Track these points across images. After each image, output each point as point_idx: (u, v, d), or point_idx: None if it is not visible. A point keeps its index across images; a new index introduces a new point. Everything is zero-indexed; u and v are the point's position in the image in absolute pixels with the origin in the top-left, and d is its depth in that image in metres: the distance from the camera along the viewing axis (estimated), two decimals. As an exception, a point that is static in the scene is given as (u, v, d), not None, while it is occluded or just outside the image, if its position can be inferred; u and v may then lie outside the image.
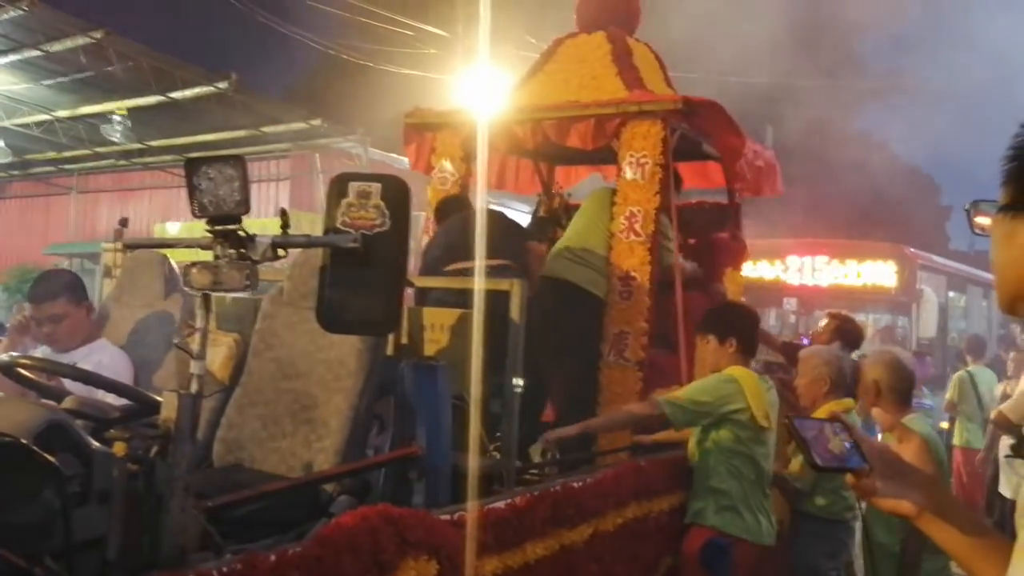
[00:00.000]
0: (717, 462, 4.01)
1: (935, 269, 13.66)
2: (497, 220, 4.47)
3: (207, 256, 1.93)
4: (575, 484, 3.29)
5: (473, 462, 3.15)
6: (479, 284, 3.46)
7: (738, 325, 4.30)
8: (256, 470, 3.01)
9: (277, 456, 3.02)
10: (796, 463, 4.50)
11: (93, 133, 15.58)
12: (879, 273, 12.27)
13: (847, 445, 1.39)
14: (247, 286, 1.86)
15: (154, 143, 16.36)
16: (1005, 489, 7.02)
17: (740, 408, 3.98)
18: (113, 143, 15.39)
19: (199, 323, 1.95)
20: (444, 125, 5.46)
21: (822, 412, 4.38)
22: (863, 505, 1.46)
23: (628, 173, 4.72)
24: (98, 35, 12.16)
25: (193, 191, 1.90)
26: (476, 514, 2.64)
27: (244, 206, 1.89)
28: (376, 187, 1.94)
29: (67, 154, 18.22)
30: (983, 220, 1.40)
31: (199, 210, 1.91)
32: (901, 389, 4.15)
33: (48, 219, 22.27)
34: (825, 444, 1.38)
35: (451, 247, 4.47)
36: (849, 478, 1.37)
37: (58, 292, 3.59)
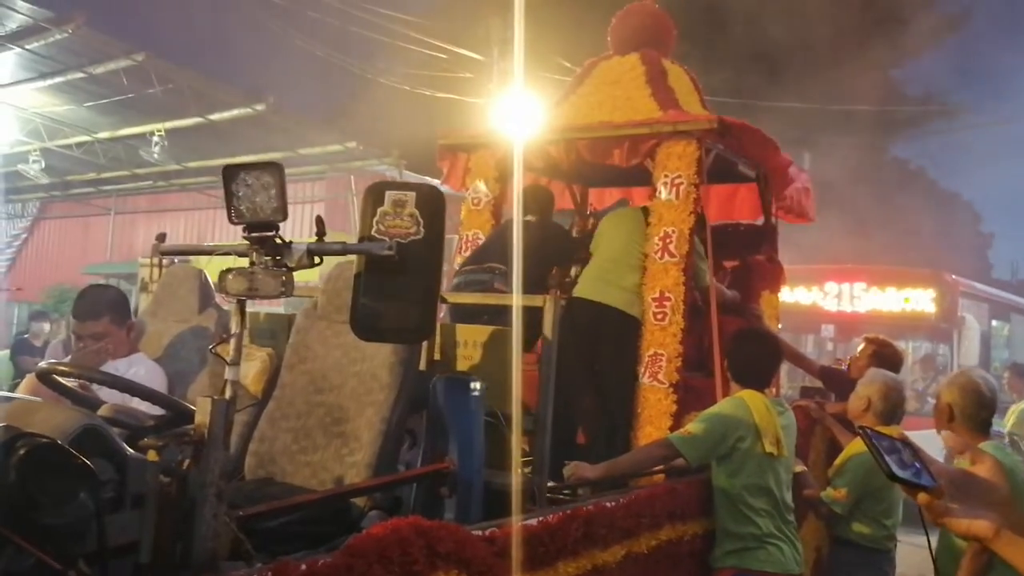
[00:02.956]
0: (729, 504, 3.92)
1: (977, 296, 13.42)
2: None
3: (243, 263, 1.94)
4: (608, 503, 3.25)
5: (506, 478, 3.14)
6: (517, 300, 3.45)
7: (734, 355, 4.25)
8: (287, 484, 3.01)
9: (308, 470, 3.03)
10: (831, 490, 4.42)
11: (132, 154, 15.83)
12: (919, 300, 12.05)
13: (917, 465, 1.36)
14: (283, 292, 1.87)
15: (191, 164, 16.59)
16: None
17: (747, 435, 3.90)
18: (152, 164, 15.62)
19: (234, 329, 1.95)
20: (478, 146, 5.48)
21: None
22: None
23: (663, 193, 4.69)
24: (140, 57, 12.41)
25: (231, 198, 1.91)
26: (509, 530, 2.61)
27: (281, 213, 1.89)
28: (411, 196, 1.95)
29: (106, 175, 18.52)
30: None
31: (236, 216, 1.92)
32: (975, 415, 3.91)
33: (87, 239, 22.60)
34: (898, 457, 1.36)
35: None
36: (922, 497, 1.34)
37: (102, 311, 3.60)
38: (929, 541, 3.60)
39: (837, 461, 4.64)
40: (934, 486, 1.34)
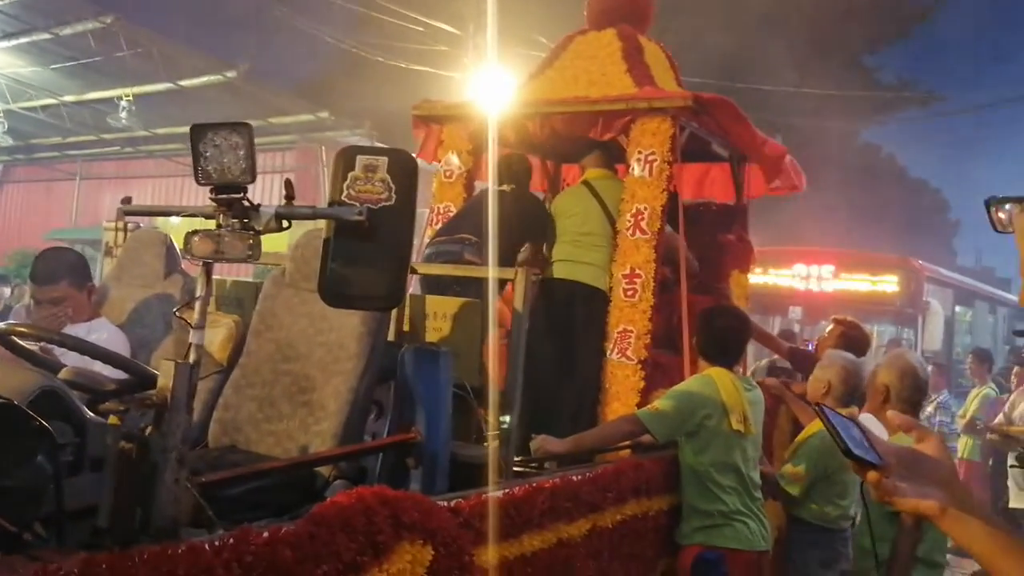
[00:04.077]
0: (696, 481, 3.95)
1: (942, 282, 13.59)
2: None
3: (210, 225, 1.90)
4: (574, 477, 3.25)
5: (473, 450, 3.13)
6: (492, 273, 3.43)
7: (703, 330, 4.28)
8: (251, 452, 2.98)
9: (273, 439, 3.00)
10: (789, 467, 4.46)
11: (99, 119, 15.59)
12: (886, 284, 12.16)
13: (866, 444, 1.37)
14: (249, 256, 1.83)
15: (160, 131, 16.37)
16: (1018, 501, 6.98)
17: (714, 413, 3.93)
18: (119, 129, 15.40)
19: (199, 292, 1.91)
20: (451, 117, 5.43)
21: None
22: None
23: (636, 170, 4.68)
24: (108, 20, 12.20)
25: (198, 158, 1.86)
26: (474, 501, 2.61)
27: (250, 174, 1.84)
28: (383, 161, 1.91)
29: (72, 139, 18.24)
30: (1003, 216, 1.39)
31: (203, 177, 1.87)
32: (910, 398, 4.01)
33: (50, 204, 22.24)
34: (851, 435, 1.37)
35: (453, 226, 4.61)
36: (871, 476, 1.34)
37: (60, 275, 3.53)
38: (869, 519, 3.60)
39: (797, 439, 4.69)
40: (882, 464, 1.35)
